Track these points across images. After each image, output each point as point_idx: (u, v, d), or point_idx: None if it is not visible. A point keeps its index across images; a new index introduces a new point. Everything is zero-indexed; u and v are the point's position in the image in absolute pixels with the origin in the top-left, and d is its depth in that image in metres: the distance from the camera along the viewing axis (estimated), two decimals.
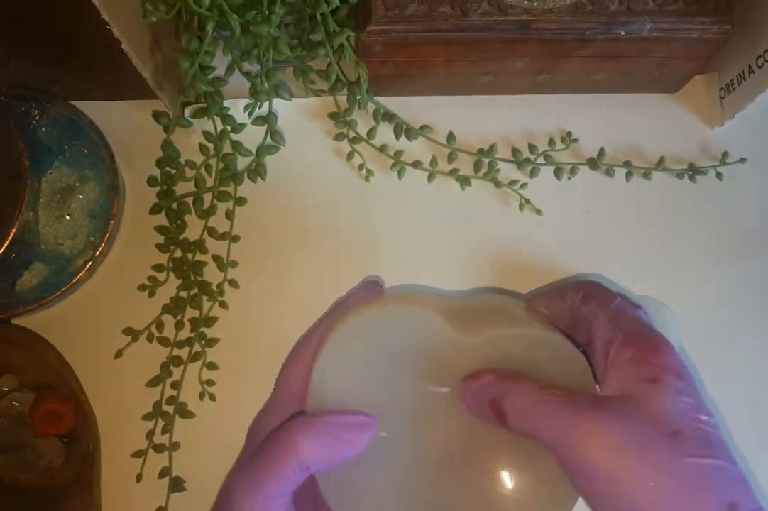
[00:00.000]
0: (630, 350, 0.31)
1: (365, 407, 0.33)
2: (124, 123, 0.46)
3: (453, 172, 0.45)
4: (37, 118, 0.45)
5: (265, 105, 0.43)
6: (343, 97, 0.44)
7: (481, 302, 0.38)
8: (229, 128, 0.43)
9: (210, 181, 0.44)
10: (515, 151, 0.46)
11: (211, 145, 0.44)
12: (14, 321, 0.44)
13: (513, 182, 0.45)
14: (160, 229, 0.44)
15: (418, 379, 0.34)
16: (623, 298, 0.35)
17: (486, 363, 0.33)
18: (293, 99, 0.44)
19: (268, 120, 0.43)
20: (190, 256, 0.44)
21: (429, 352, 0.34)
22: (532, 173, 0.45)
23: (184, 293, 0.44)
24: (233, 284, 0.44)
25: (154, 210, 0.44)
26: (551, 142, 0.46)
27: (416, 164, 0.45)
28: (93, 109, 0.45)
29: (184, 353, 0.43)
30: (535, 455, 0.32)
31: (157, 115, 0.42)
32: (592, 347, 0.33)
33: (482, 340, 0.34)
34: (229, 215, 0.44)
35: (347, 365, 0.34)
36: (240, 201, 0.44)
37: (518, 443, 0.32)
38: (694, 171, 0.45)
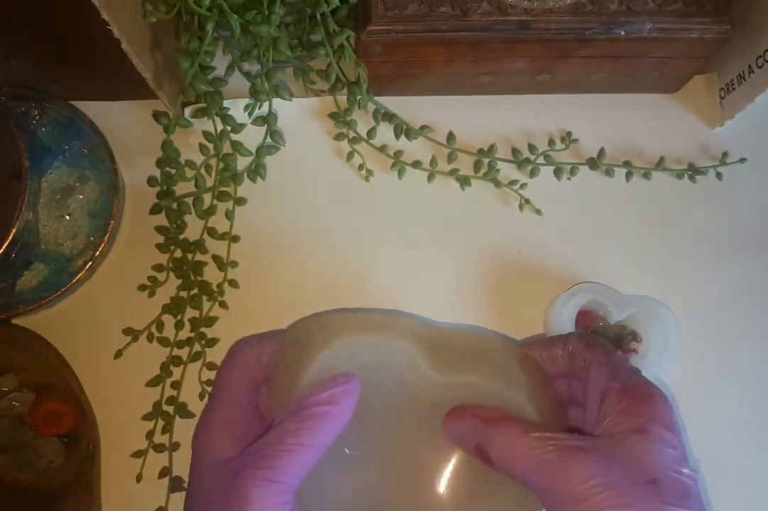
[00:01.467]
0: (625, 401, 0.32)
1: None
2: (124, 123, 0.46)
3: (453, 172, 0.45)
4: (37, 118, 0.45)
5: (265, 105, 0.43)
6: (343, 97, 0.44)
7: (470, 342, 0.38)
8: (229, 128, 0.43)
9: (210, 181, 0.44)
10: (515, 151, 0.46)
11: (211, 145, 0.44)
12: (14, 321, 0.44)
13: (513, 182, 0.45)
14: (160, 230, 0.44)
15: (387, 407, 0.36)
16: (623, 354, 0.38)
17: (453, 401, 0.35)
18: (293, 99, 0.44)
19: (268, 120, 0.43)
20: (190, 256, 0.44)
21: (401, 382, 0.36)
22: (532, 173, 0.45)
23: (184, 293, 0.44)
24: (233, 284, 0.44)
25: (154, 210, 0.44)
26: (551, 142, 0.46)
27: (416, 164, 0.45)
28: (93, 109, 0.45)
29: (184, 353, 0.43)
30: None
31: (157, 115, 0.42)
32: (587, 390, 0.34)
33: (452, 381, 0.35)
34: (229, 215, 0.44)
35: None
36: (240, 201, 0.44)
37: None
38: (694, 171, 0.45)
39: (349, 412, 0.33)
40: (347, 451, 0.35)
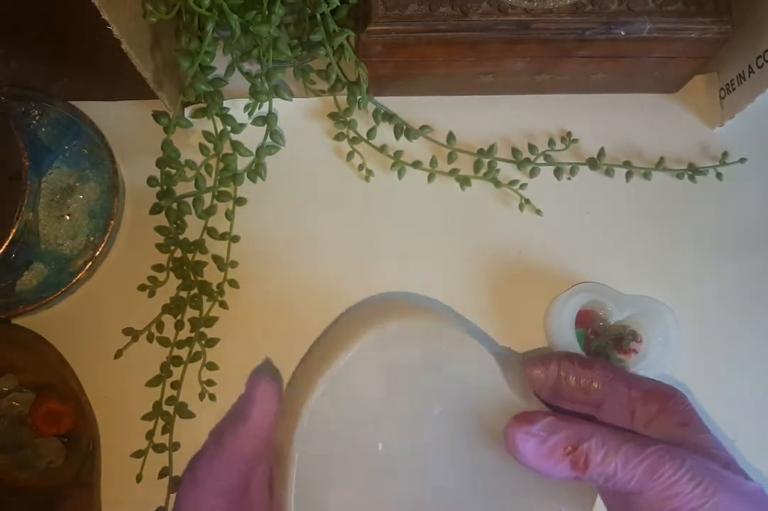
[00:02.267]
0: (655, 405, 0.33)
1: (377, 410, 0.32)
2: (124, 123, 0.46)
3: (453, 172, 0.45)
4: (37, 118, 0.45)
5: (265, 105, 0.43)
6: (343, 97, 0.44)
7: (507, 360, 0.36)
8: (229, 128, 0.43)
9: (210, 182, 0.44)
10: (515, 151, 0.46)
11: (211, 146, 0.44)
12: (14, 321, 0.44)
13: (513, 182, 0.45)
14: (160, 230, 0.44)
15: (449, 416, 0.33)
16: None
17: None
18: (293, 99, 0.44)
19: (268, 120, 0.43)
20: (190, 256, 0.44)
21: (475, 397, 0.33)
22: (532, 173, 0.45)
23: (184, 293, 0.44)
24: (233, 284, 0.44)
25: (154, 210, 0.44)
26: (551, 142, 0.46)
27: (416, 164, 0.45)
28: (93, 109, 0.45)
29: (184, 353, 0.43)
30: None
31: (157, 115, 0.42)
32: (607, 407, 0.34)
33: (531, 407, 0.33)
34: (229, 215, 0.44)
35: (379, 366, 0.32)
36: (240, 201, 0.44)
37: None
38: (693, 171, 0.45)
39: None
40: (380, 447, 0.32)
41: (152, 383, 0.43)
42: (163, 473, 0.42)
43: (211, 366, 0.43)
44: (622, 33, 0.40)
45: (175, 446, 0.42)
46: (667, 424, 0.32)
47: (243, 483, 0.33)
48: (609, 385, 0.34)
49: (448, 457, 0.33)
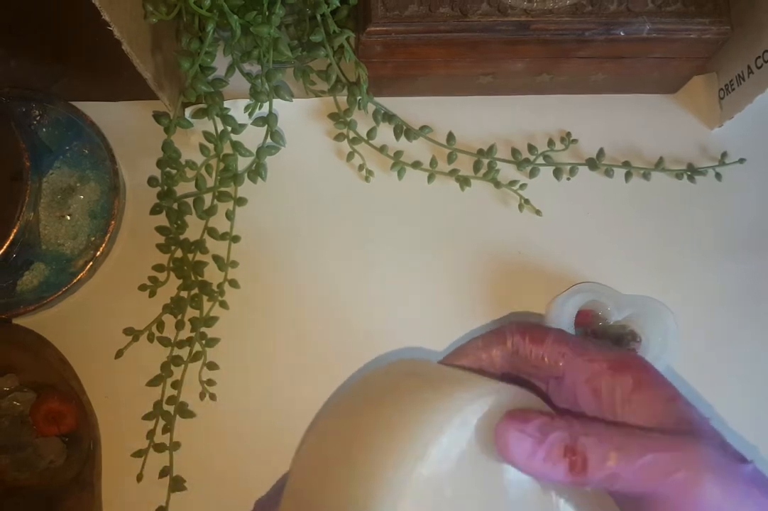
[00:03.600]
0: (628, 379, 0.28)
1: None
2: (124, 123, 0.46)
3: (453, 173, 0.45)
4: (38, 118, 0.45)
5: (266, 106, 0.43)
6: (343, 98, 0.44)
7: None
8: (229, 129, 0.43)
9: (210, 182, 0.44)
10: (515, 152, 0.46)
11: (211, 146, 0.44)
12: (15, 321, 0.44)
13: (512, 183, 0.45)
14: (160, 230, 0.44)
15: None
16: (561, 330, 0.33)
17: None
18: (293, 100, 0.44)
19: (268, 120, 0.43)
20: (190, 256, 0.44)
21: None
22: (532, 174, 0.45)
23: (184, 293, 0.44)
24: (233, 284, 0.44)
25: (155, 210, 0.44)
26: (551, 142, 0.46)
27: (416, 165, 0.45)
28: (94, 110, 0.45)
29: (184, 352, 0.43)
30: None
31: (157, 116, 0.42)
32: (565, 384, 0.30)
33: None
34: (230, 215, 0.44)
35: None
36: (240, 201, 0.44)
37: None
38: (693, 171, 0.45)
39: None
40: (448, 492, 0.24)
41: (153, 382, 0.43)
42: (164, 472, 0.42)
43: (212, 366, 0.44)
44: (622, 34, 0.40)
45: (175, 446, 0.42)
46: (652, 400, 0.28)
47: None
48: (564, 361, 0.30)
49: None
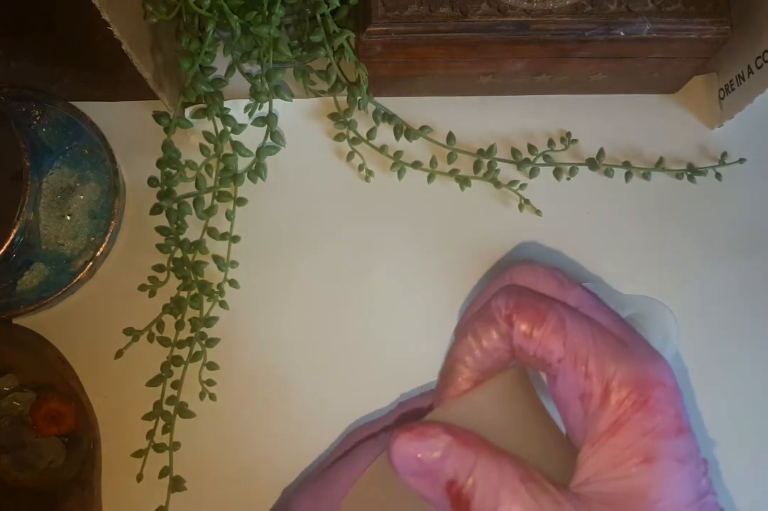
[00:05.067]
0: (611, 416, 0.23)
1: None
2: (124, 123, 0.46)
3: (453, 173, 0.45)
4: (38, 118, 0.45)
5: (266, 106, 0.43)
6: (343, 98, 0.44)
7: None
8: (229, 129, 0.43)
9: (210, 182, 0.44)
10: (515, 152, 0.46)
11: (211, 146, 0.44)
12: (15, 321, 0.44)
13: (512, 183, 0.45)
14: (160, 230, 0.44)
15: None
16: (583, 289, 0.27)
17: None
18: (293, 99, 0.44)
19: (268, 120, 0.43)
20: (190, 256, 0.44)
21: None
22: (532, 174, 0.45)
23: (184, 293, 0.44)
24: (233, 284, 0.44)
25: (155, 210, 0.44)
26: (551, 142, 0.46)
27: (416, 165, 0.45)
28: (94, 110, 0.45)
29: (184, 352, 0.43)
30: None
31: (157, 116, 0.42)
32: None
33: None
34: (229, 215, 0.44)
35: None
36: (240, 201, 0.44)
37: None
38: (693, 171, 0.45)
39: None
40: None
41: (153, 382, 0.43)
42: (164, 472, 0.42)
43: (212, 366, 0.44)
44: (622, 34, 0.40)
45: (175, 446, 0.42)
46: (621, 457, 0.23)
47: None
48: (559, 365, 0.25)
49: None
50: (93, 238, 0.44)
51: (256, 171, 0.44)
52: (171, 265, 0.44)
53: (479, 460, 0.23)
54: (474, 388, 0.26)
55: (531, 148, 0.46)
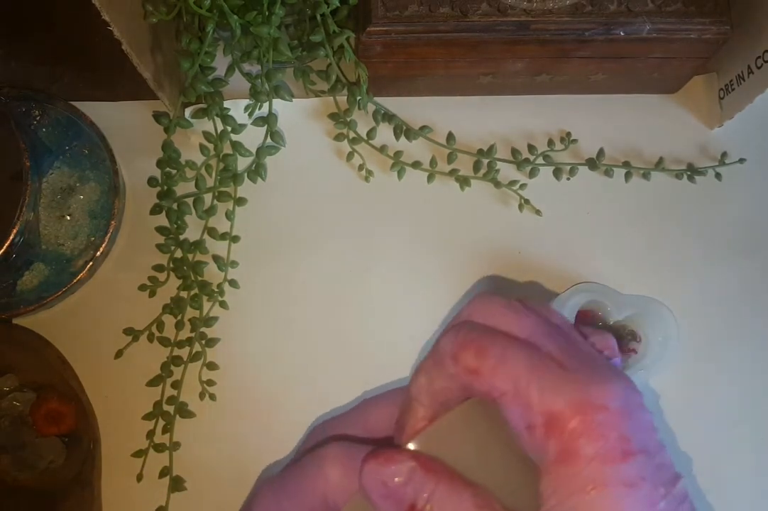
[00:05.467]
0: (554, 446, 0.23)
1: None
2: (124, 123, 0.46)
3: (453, 173, 0.45)
4: (38, 118, 0.46)
5: (266, 106, 0.43)
6: (343, 98, 0.44)
7: None
8: (229, 129, 0.43)
9: (210, 182, 0.44)
10: (515, 152, 0.46)
11: (211, 146, 0.44)
12: (15, 321, 0.44)
13: (512, 183, 0.45)
14: (160, 230, 0.44)
15: None
16: (537, 316, 0.27)
17: None
18: (293, 99, 0.44)
19: (268, 120, 0.43)
20: (190, 256, 0.44)
21: None
22: (532, 174, 0.45)
23: (184, 293, 0.44)
24: (233, 284, 0.44)
25: (155, 210, 0.44)
26: (550, 142, 0.46)
27: (416, 165, 0.45)
28: (93, 110, 0.45)
29: (184, 352, 0.43)
30: None
31: (157, 116, 0.42)
32: (509, 417, 0.25)
33: None
34: (229, 215, 0.44)
35: None
36: (240, 201, 0.44)
37: None
38: (693, 171, 0.45)
39: None
40: None
41: (153, 382, 0.43)
42: (164, 472, 0.42)
43: (211, 366, 0.44)
44: (622, 34, 0.40)
45: (175, 446, 0.42)
46: (572, 484, 0.22)
47: None
48: (504, 399, 0.24)
49: None
50: (93, 238, 0.44)
51: (256, 171, 0.44)
52: (171, 265, 0.44)
53: (439, 486, 0.24)
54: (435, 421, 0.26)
55: (531, 148, 0.46)
